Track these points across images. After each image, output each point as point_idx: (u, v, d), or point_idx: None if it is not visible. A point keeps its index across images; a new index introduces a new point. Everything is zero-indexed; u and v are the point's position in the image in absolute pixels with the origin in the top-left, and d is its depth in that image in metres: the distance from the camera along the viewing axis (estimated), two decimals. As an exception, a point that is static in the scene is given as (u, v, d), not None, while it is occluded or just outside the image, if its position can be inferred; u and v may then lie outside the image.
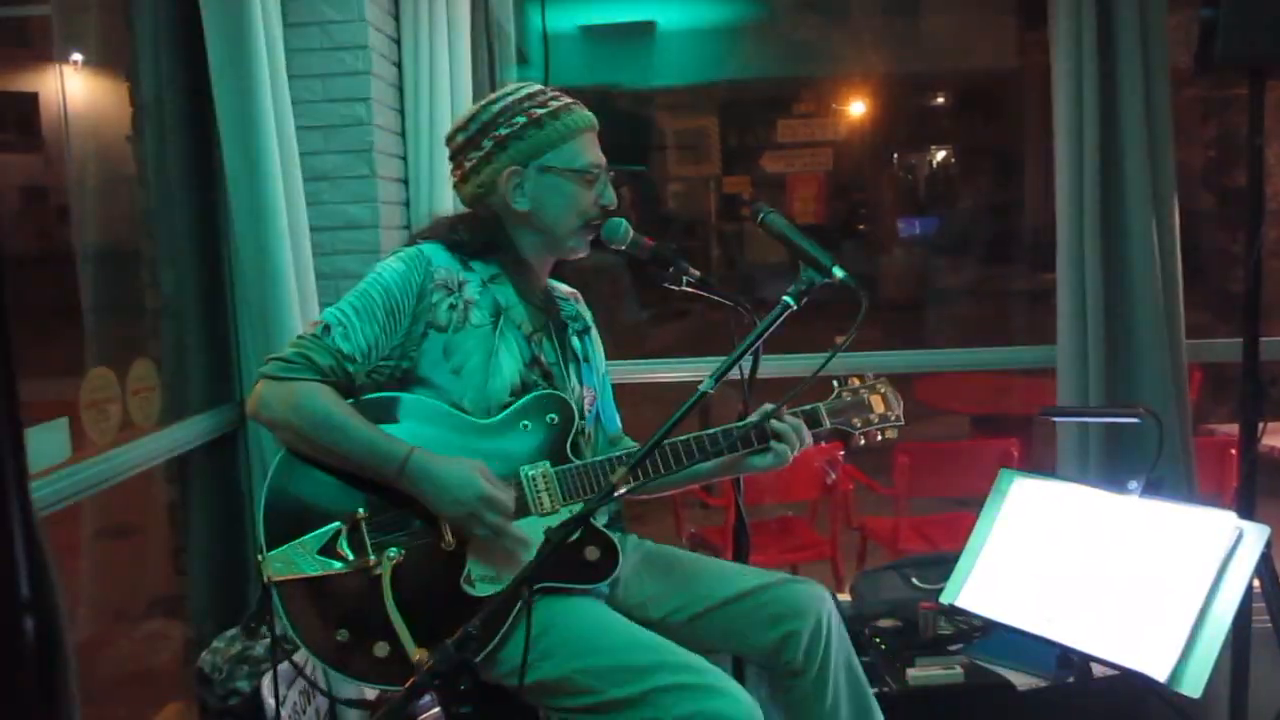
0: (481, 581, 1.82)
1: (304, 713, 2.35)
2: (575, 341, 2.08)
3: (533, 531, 1.82)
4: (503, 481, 1.83)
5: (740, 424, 1.93)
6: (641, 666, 1.73)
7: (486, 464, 1.82)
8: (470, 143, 1.96)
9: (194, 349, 2.74)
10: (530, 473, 1.87)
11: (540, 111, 1.93)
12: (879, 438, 2.06)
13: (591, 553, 1.86)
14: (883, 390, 2.06)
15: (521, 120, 1.92)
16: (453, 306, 1.89)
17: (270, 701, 2.21)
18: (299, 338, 1.86)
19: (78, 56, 2.72)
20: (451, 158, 2.03)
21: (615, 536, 1.90)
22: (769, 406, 1.91)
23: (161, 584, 2.89)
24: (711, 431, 1.93)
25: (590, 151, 1.97)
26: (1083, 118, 2.83)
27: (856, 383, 2.06)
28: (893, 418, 2.06)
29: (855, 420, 2.02)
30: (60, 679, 0.59)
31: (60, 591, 0.58)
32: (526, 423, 1.90)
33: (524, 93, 1.97)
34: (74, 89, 2.70)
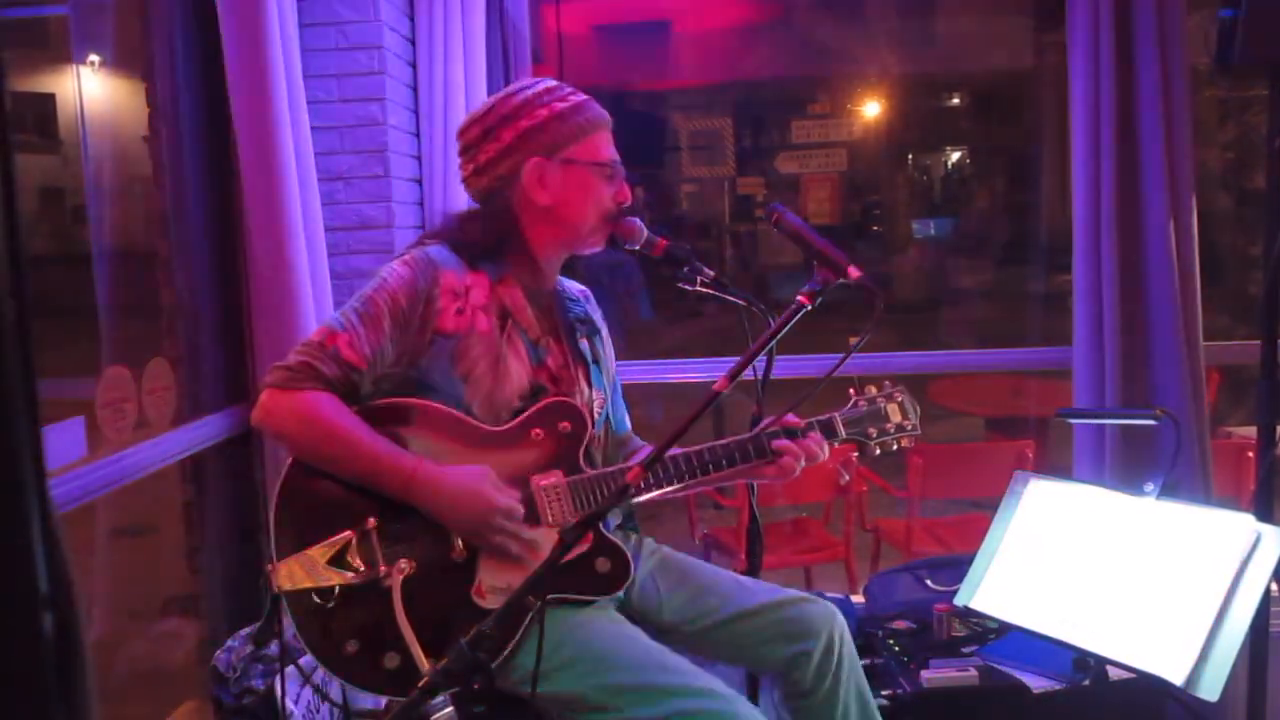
0: (493, 593, 1.79)
1: (317, 712, 2.36)
2: (584, 344, 2.06)
3: (544, 543, 1.81)
4: (510, 487, 1.81)
5: (753, 434, 1.91)
6: (663, 687, 1.71)
7: (497, 472, 1.81)
8: (487, 134, 1.93)
9: (209, 348, 2.75)
10: (542, 483, 1.85)
11: (562, 105, 1.92)
12: (894, 447, 2.04)
13: (603, 564, 1.85)
14: (900, 399, 2.04)
15: (544, 113, 1.90)
16: (460, 312, 1.86)
17: (284, 700, 2.22)
18: (304, 345, 1.82)
19: (95, 57, 2.73)
20: (464, 151, 1.98)
21: (630, 538, 1.89)
22: (781, 414, 1.89)
23: (176, 582, 2.90)
24: (726, 441, 1.92)
25: (608, 147, 1.96)
26: (1100, 118, 2.82)
27: (873, 391, 2.03)
28: (909, 427, 2.03)
29: (871, 430, 2.00)
30: (78, 676, 0.59)
31: (78, 589, 0.58)
32: (538, 430, 1.87)
33: (542, 87, 1.96)
34: (91, 89, 2.71)
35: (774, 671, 1.97)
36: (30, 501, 0.55)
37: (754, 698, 2.08)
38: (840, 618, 1.99)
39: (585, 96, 1.98)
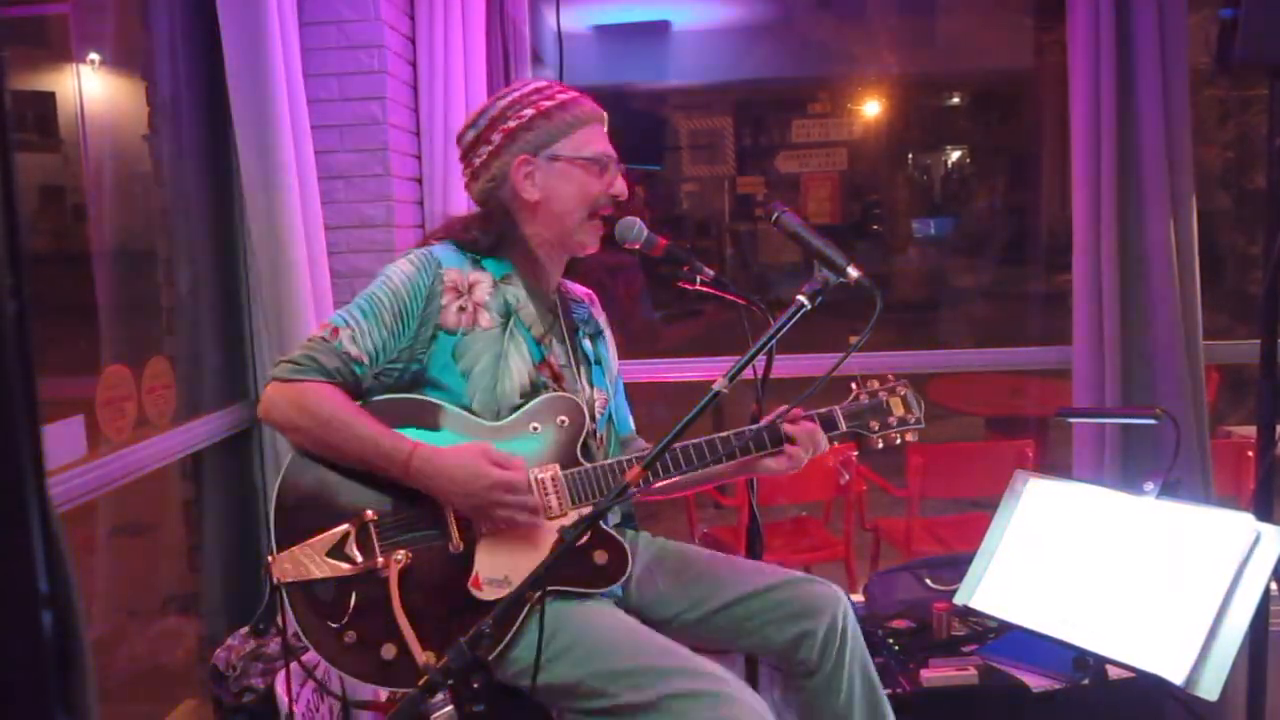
0: (489, 585, 1.81)
1: (317, 710, 2.36)
2: (586, 344, 2.08)
3: (542, 535, 1.82)
4: (509, 455, 1.82)
5: (754, 427, 1.92)
6: (656, 670, 1.72)
7: None
8: (480, 138, 1.98)
9: (209, 347, 2.75)
10: (539, 475, 1.86)
11: (548, 104, 1.95)
12: (898, 441, 2.03)
13: (601, 557, 1.86)
14: (902, 393, 2.03)
15: (529, 113, 1.94)
16: (462, 309, 1.89)
17: (284, 699, 2.22)
18: (308, 340, 1.86)
19: (95, 56, 2.73)
20: (463, 156, 2.04)
21: (627, 535, 1.89)
22: (785, 409, 1.89)
23: (176, 581, 2.90)
24: (725, 434, 1.92)
25: (598, 141, 1.98)
26: (1100, 118, 2.82)
27: (875, 385, 2.03)
28: (912, 420, 2.03)
29: (873, 424, 2.00)
30: (78, 674, 0.59)
31: (78, 587, 0.58)
32: (536, 424, 1.89)
33: (531, 87, 1.99)
34: (91, 88, 2.71)
35: (778, 653, 1.97)
36: (30, 500, 0.55)
37: (753, 683, 2.08)
38: (844, 597, 2.00)
39: (575, 94, 2.00)
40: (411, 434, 1.83)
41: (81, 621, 0.59)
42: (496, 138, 1.95)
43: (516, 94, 1.98)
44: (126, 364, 2.37)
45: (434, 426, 1.86)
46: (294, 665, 2.18)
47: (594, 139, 1.98)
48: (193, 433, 2.57)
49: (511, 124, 1.94)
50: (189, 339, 2.73)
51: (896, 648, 2.63)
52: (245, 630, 2.38)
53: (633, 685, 1.71)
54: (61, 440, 2.08)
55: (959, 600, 2.25)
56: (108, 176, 2.76)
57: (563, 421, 1.90)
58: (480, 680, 1.36)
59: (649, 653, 1.76)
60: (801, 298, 1.68)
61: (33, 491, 0.54)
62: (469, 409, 1.88)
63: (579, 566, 1.85)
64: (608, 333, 2.19)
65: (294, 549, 1.79)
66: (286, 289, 2.54)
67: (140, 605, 2.97)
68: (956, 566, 2.71)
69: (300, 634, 1.81)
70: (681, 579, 2.04)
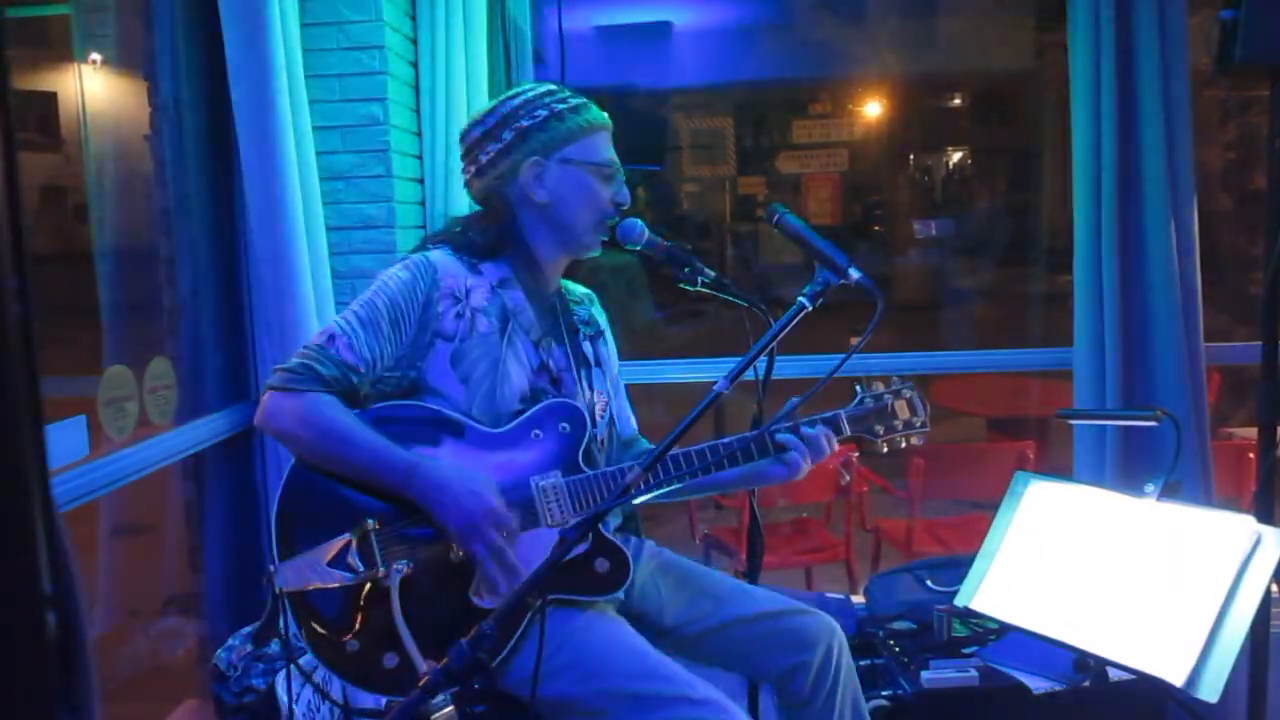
0: (490, 595, 1.80)
1: (319, 710, 2.36)
2: (587, 346, 2.07)
3: (543, 542, 1.81)
4: (510, 501, 1.81)
5: (757, 431, 1.91)
6: (659, 694, 1.71)
7: (497, 474, 1.82)
8: (488, 135, 1.97)
9: (210, 347, 2.75)
10: (541, 483, 1.85)
11: (561, 107, 1.95)
12: (902, 445, 2.01)
13: (602, 565, 1.85)
14: (908, 395, 2.01)
15: (543, 114, 1.94)
16: (459, 315, 1.88)
17: (285, 699, 2.22)
18: (304, 348, 1.85)
19: (96, 56, 2.74)
20: (466, 153, 2.02)
21: (630, 541, 1.89)
22: (786, 410, 1.88)
23: (177, 581, 2.90)
24: (728, 439, 1.91)
25: (607, 149, 1.99)
26: (1100, 119, 2.82)
27: (880, 387, 2.00)
28: (918, 424, 2.00)
29: (878, 427, 1.98)
30: (81, 674, 0.59)
31: (81, 587, 0.58)
32: (538, 431, 1.88)
33: (543, 89, 1.99)
34: (93, 88, 2.71)
35: (771, 680, 1.97)
36: (34, 500, 0.55)
37: (754, 703, 2.08)
38: (839, 630, 1.99)
39: (585, 100, 2.01)
40: (412, 443, 1.82)
41: (85, 622, 0.59)
42: (507, 135, 1.94)
43: (530, 94, 1.98)
44: (128, 364, 2.37)
45: (436, 433, 1.85)
46: (295, 665, 2.18)
47: (603, 146, 1.98)
48: (194, 433, 2.57)
49: (524, 123, 1.94)
50: (190, 339, 2.73)
51: (897, 649, 2.63)
52: (249, 629, 2.38)
53: (635, 708, 1.71)
54: (63, 440, 2.08)
55: (959, 602, 2.25)
56: (109, 176, 2.76)
57: (564, 428, 1.89)
58: (481, 681, 1.36)
59: (653, 676, 1.75)
60: (802, 299, 1.68)
61: (37, 492, 0.54)
62: (469, 416, 1.87)
63: (580, 575, 1.84)
64: (608, 333, 2.18)
65: (295, 559, 1.78)
66: (288, 290, 2.54)
67: (141, 605, 2.97)
68: (957, 568, 2.71)
69: (302, 642, 1.80)
70: (682, 593, 2.03)
